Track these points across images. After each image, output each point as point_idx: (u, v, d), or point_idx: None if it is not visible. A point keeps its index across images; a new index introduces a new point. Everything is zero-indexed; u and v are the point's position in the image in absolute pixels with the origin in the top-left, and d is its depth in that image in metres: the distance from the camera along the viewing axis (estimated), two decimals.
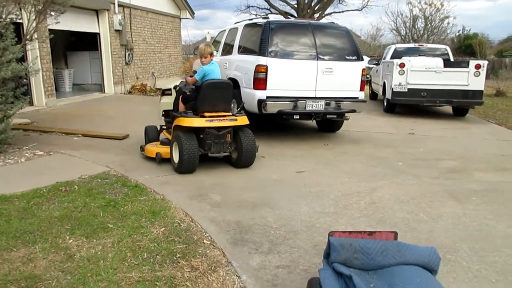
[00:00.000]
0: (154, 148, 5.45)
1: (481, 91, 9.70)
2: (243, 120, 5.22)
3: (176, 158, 5.02)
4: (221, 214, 3.83)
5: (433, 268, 2.27)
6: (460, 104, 9.97)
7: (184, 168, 4.91)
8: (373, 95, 13.74)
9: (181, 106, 5.39)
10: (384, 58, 12.38)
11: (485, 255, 3.20)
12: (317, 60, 6.64)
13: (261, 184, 4.74)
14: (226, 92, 5.24)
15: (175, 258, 3.01)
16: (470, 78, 9.58)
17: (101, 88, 12.83)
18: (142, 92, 13.27)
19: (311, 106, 6.59)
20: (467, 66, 9.74)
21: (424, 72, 9.89)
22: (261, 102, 6.38)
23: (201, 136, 5.05)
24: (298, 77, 6.58)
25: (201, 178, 4.86)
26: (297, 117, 6.76)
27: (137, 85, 13.48)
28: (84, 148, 6.11)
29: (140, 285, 2.65)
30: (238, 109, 5.49)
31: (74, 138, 6.75)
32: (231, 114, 5.23)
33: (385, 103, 10.87)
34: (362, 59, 7.14)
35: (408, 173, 5.30)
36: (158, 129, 5.98)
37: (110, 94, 12.64)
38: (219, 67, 5.43)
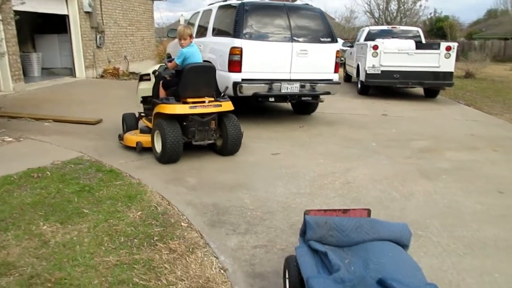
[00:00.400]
0: (134, 137, 5.16)
1: (451, 73, 9.93)
2: (227, 106, 5.00)
3: (158, 147, 4.80)
4: (198, 197, 3.84)
5: (405, 243, 2.35)
6: (431, 86, 10.20)
7: (167, 157, 4.69)
8: (347, 78, 13.87)
9: (162, 92, 5.11)
10: (358, 40, 12.48)
11: (454, 230, 3.33)
12: (292, 42, 6.64)
13: (237, 167, 4.76)
14: (209, 76, 5.03)
15: (152, 241, 3.01)
16: (441, 60, 9.79)
17: (71, 72, 12.46)
18: (114, 76, 12.97)
19: (286, 89, 6.60)
20: (438, 48, 9.94)
21: (397, 54, 10.03)
22: (236, 85, 6.35)
23: (185, 123, 4.83)
24: (273, 59, 6.56)
25: (178, 162, 4.83)
26: (272, 99, 6.78)
27: (110, 69, 13.16)
28: (55, 133, 5.96)
29: (118, 269, 2.64)
30: (222, 93, 5.27)
31: (44, 124, 6.57)
32: (214, 99, 5.01)
33: (359, 85, 11.00)
34: (336, 41, 7.17)
35: (382, 154, 5.41)
36: (137, 116, 5.69)
37: (81, 78, 12.31)
38: (198, 50, 5.21)
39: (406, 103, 9.88)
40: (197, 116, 4.84)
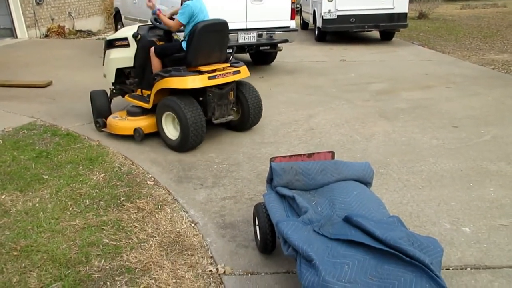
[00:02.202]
0: (126, 123, 4.08)
1: (405, 14, 10.00)
2: (245, 72, 4.14)
3: (173, 133, 3.89)
4: (162, 155, 3.78)
5: (368, 181, 2.44)
6: (387, 28, 10.27)
7: (190, 144, 3.75)
8: (304, 25, 13.70)
9: (156, 61, 4.11)
10: None
11: (413, 165, 3.49)
12: None
13: None
14: (224, 35, 4.08)
15: (119, 201, 2.97)
16: (394, 1, 9.80)
17: (12, 33, 11.57)
18: (60, 35, 12.19)
19: (244, 39, 6.45)
20: None
21: None
22: None
23: (201, 98, 3.90)
24: (228, 8, 6.33)
25: None
26: (230, 50, 6.61)
27: (54, 27, 12.33)
28: (2, 99, 5.60)
29: (86, 231, 2.60)
30: (231, 56, 4.32)
31: None
32: (230, 64, 4.13)
33: (316, 32, 10.92)
34: None
35: (342, 98, 5.49)
36: (109, 94, 4.60)
37: (24, 39, 11.49)
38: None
39: (363, 47, 9.94)
40: (215, 87, 3.90)
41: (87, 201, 2.96)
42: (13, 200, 2.98)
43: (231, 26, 6.29)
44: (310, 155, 2.55)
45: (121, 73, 4.48)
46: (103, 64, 4.65)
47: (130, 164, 3.59)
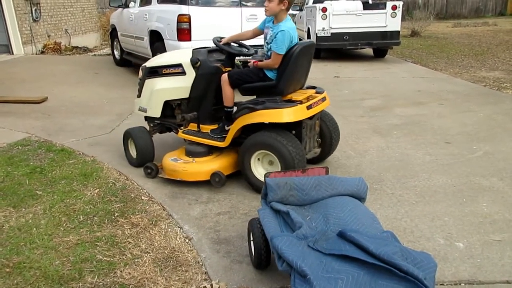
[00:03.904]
0: (198, 166, 3.42)
1: (398, 32, 10.17)
2: (328, 98, 3.66)
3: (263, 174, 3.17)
4: None
5: (362, 196, 2.46)
6: (380, 45, 10.42)
7: None
8: None
9: (230, 92, 3.46)
10: (307, 4, 12.43)
11: (406, 181, 3.51)
12: (241, 7, 6.51)
13: None
14: (311, 57, 3.62)
15: (113, 217, 2.96)
16: (387, 19, 9.97)
17: (8, 49, 11.61)
18: (56, 51, 12.25)
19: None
20: (384, 7, 10.10)
21: (345, 16, 10.11)
22: None
23: (294, 132, 3.34)
24: (223, 25, 6.42)
25: None
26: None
27: (50, 43, 12.40)
28: None
29: (80, 247, 2.59)
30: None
31: None
32: (315, 91, 3.67)
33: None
34: None
35: (336, 114, 5.48)
36: (149, 130, 3.94)
37: (20, 55, 11.54)
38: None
39: (356, 64, 10.06)
40: (307, 118, 3.38)
41: (81, 216, 2.95)
42: (6, 216, 2.96)
43: None
44: (304, 170, 2.57)
45: (168, 106, 3.81)
46: (139, 96, 3.92)
47: (125, 179, 3.59)
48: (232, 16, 6.47)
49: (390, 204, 3.11)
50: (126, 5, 8.25)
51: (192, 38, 6.20)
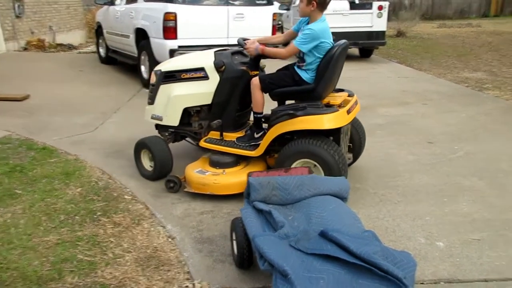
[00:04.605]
0: (229, 178, 3.17)
1: (384, 32, 10.25)
2: (358, 100, 3.51)
3: None
4: None
5: (344, 196, 2.47)
6: (366, 45, 10.48)
7: None
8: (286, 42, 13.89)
9: (260, 97, 3.26)
10: (294, 3, 12.45)
11: (389, 180, 3.55)
12: (228, 5, 6.50)
13: None
14: (344, 59, 3.37)
15: (95, 216, 2.92)
16: (373, 19, 10.05)
17: None
18: (40, 48, 12.05)
19: None
20: (371, 8, 10.17)
21: (332, 15, 10.13)
22: (173, 52, 6.14)
23: (332, 138, 3.15)
24: (209, 24, 6.41)
25: (117, 135, 4.66)
26: None
27: (34, 40, 12.18)
28: None
29: (60, 247, 2.55)
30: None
31: None
32: (348, 94, 3.49)
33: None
34: (272, 4, 7.12)
35: None
36: (166, 140, 3.62)
37: (2, 51, 11.33)
38: None
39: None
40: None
41: (61, 216, 2.91)
42: None
43: (212, 42, 6.43)
44: (287, 170, 2.58)
45: (185, 113, 3.53)
46: (152, 103, 3.60)
47: (108, 178, 3.55)
48: (218, 15, 6.45)
49: (372, 204, 3.14)
50: (112, 3, 8.15)
51: (178, 36, 6.17)
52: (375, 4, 10.17)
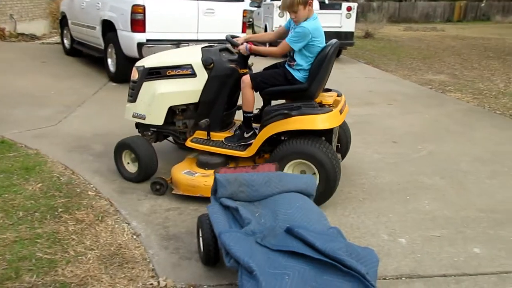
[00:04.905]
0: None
1: (352, 33, 10.44)
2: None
3: None
4: (106, 164, 3.66)
5: (311, 193, 2.50)
6: None
7: (332, 193, 3.05)
8: None
9: (251, 96, 3.19)
10: (265, 0, 12.48)
11: (355, 178, 3.62)
12: (198, 0, 6.43)
13: None
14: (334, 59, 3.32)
15: (56, 213, 2.83)
16: (342, 20, 10.22)
17: None
18: (0, 37, 11.55)
19: None
20: (340, 8, 10.33)
21: None
22: (141, 46, 6.02)
23: (324, 138, 3.10)
24: (179, 18, 6.33)
25: (82, 129, 4.53)
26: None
27: None
28: None
29: (18, 245, 2.45)
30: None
31: None
32: (337, 93, 3.45)
33: (268, 46, 11.09)
34: (243, 0, 7.10)
35: None
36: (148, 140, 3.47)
37: None
38: None
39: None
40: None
41: (20, 213, 2.79)
42: None
43: (181, 37, 6.35)
44: (254, 166, 2.58)
45: (169, 112, 3.39)
46: (134, 101, 3.41)
47: (71, 174, 3.44)
48: (188, 9, 6.38)
49: (338, 201, 3.19)
50: None
51: (147, 29, 6.06)
52: (344, 5, 10.34)
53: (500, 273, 2.41)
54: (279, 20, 10.08)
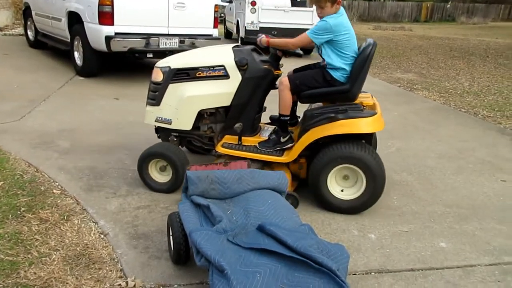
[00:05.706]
0: None
1: None
2: None
3: (343, 192, 2.99)
4: (72, 161, 3.54)
5: (283, 190, 2.50)
6: None
7: (375, 201, 2.98)
8: (228, 34, 13.85)
9: (289, 99, 3.06)
10: None
11: None
12: None
13: (116, 127, 4.48)
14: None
15: (19, 212, 2.71)
16: (314, 17, 10.27)
17: None
18: None
19: (165, 44, 6.32)
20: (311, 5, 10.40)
21: (274, 11, 10.26)
22: (109, 39, 5.86)
23: (364, 141, 3.02)
24: (149, 11, 6.20)
25: (47, 124, 4.37)
26: (151, 55, 6.44)
27: None
28: None
29: None
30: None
31: None
32: (370, 94, 3.36)
33: (239, 42, 11.07)
34: None
35: None
36: (180, 146, 3.38)
37: None
38: None
39: (284, 60, 10.23)
40: None
41: None
42: None
43: (151, 30, 6.22)
44: (226, 163, 2.55)
45: (202, 117, 3.20)
46: (157, 104, 3.16)
47: (34, 171, 3.31)
48: (158, 3, 6.26)
49: (309, 197, 3.20)
50: None
51: (115, 22, 5.90)
52: None
53: (465, 266, 2.48)
54: (251, 17, 10.06)
